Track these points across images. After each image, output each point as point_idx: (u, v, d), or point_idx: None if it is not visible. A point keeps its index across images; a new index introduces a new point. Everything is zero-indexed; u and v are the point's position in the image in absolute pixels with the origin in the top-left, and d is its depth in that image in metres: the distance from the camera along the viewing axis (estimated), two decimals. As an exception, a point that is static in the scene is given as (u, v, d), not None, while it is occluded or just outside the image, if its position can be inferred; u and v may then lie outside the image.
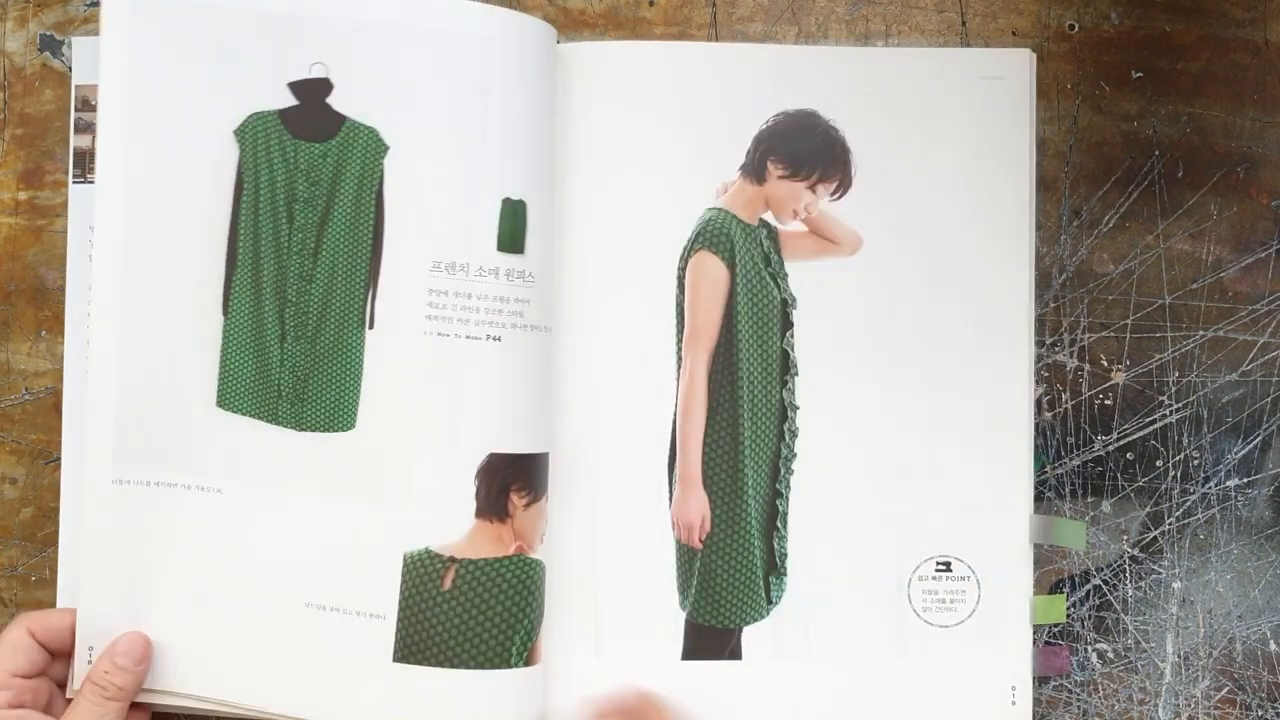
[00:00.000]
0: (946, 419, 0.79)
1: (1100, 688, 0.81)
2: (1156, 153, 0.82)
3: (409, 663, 0.75)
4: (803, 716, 0.78)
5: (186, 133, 0.78)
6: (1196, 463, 0.81)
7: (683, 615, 0.79)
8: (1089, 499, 0.82)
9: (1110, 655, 0.81)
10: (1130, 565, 0.81)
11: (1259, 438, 0.81)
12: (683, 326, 0.80)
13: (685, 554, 0.79)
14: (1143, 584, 0.81)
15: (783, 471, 0.79)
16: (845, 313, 0.80)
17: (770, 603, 0.79)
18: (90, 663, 0.76)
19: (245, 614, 0.77)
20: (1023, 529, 0.79)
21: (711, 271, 0.79)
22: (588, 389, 0.80)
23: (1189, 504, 0.81)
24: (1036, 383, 0.81)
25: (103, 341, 0.77)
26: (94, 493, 0.77)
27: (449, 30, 0.76)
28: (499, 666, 0.75)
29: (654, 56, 0.81)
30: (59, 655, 0.76)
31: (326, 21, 0.77)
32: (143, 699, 0.77)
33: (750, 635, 0.79)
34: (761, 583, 0.79)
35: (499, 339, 0.76)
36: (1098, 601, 0.81)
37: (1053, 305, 0.82)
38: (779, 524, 0.79)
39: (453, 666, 0.75)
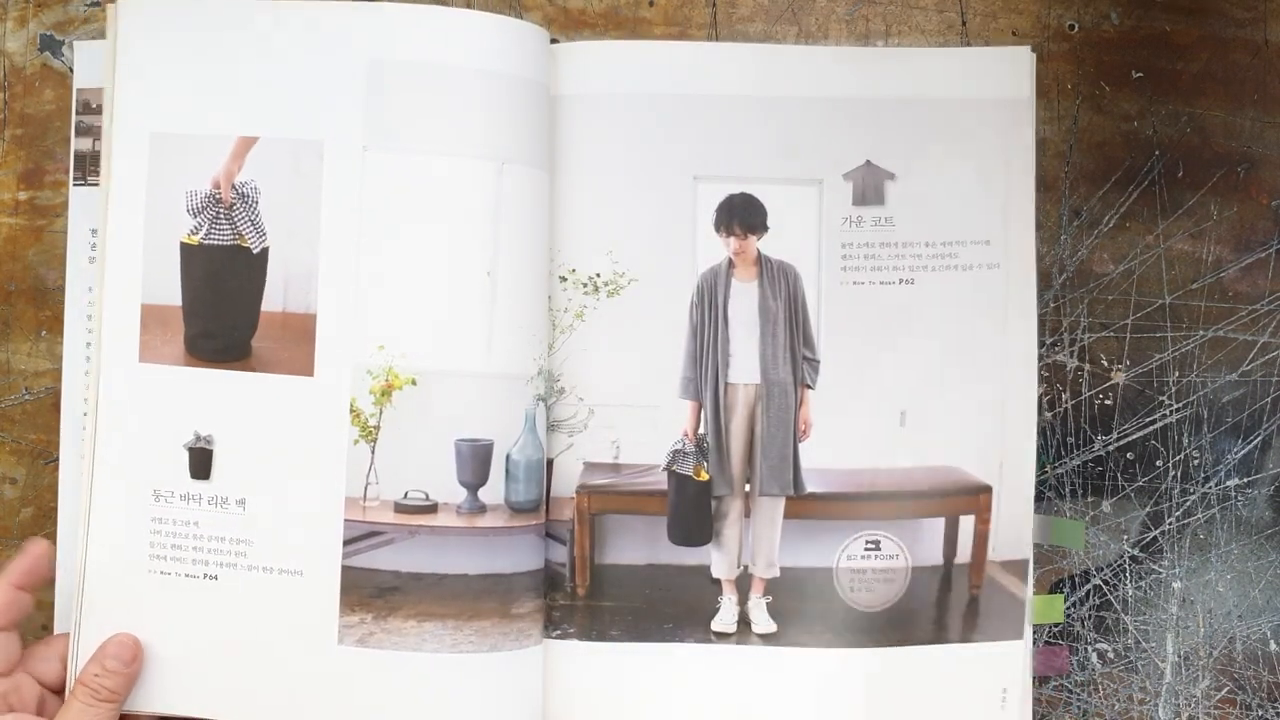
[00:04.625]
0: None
1: (1100, 688, 0.81)
2: (1156, 153, 0.82)
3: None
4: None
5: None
6: (1196, 463, 0.81)
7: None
8: (1089, 499, 0.82)
9: (1110, 655, 0.81)
10: (1130, 565, 0.81)
11: (1259, 438, 0.81)
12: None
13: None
14: (1143, 584, 0.81)
15: None
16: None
17: None
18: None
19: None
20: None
21: None
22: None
23: (1189, 504, 0.81)
24: (1036, 383, 0.81)
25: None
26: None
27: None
28: None
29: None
30: (20, 620, 0.76)
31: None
32: (142, 709, 0.77)
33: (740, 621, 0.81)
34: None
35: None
36: (1098, 601, 0.81)
37: (1053, 305, 0.82)
38: None
39: None
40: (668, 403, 0.81)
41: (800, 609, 0.81)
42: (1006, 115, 0.80)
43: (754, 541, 0.82)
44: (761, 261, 0.81)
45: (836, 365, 0.81)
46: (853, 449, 0.81)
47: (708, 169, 0.81)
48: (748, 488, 0.82)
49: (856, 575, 0.80)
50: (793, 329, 0.81)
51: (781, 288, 0.81)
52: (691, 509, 0.81)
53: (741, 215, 0.81)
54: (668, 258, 0.81)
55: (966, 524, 0.81)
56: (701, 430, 0.82)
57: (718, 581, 0.82)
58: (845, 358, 0.81)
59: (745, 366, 0.82)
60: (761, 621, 0.81)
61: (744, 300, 0.82)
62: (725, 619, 0.81)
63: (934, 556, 0.82)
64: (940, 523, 0.82)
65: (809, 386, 0.81)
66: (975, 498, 0.80)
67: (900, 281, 0.80)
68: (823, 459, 0.81)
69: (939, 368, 0.80)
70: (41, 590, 0.77)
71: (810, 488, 0.81)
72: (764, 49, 0.81)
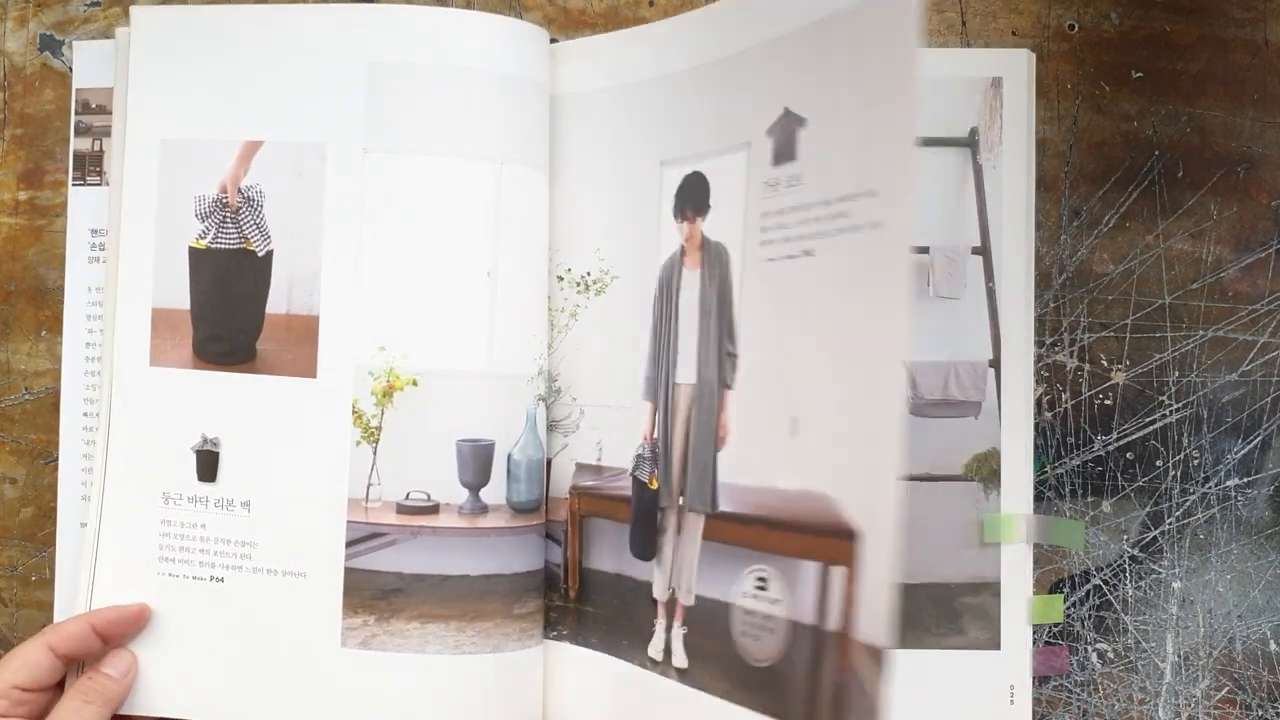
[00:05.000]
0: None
1: (1100, 688, 0.81)
2: (1156, 153, 0.82)
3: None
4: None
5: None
6: (1196, 463, 0.81)
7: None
8: (1089, 499, 0.82)
9: (1110, 655, 0.81)
10: (1130, 565, 0.81)
11: (1259, 438, 0.81)
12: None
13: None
14: (1143, 584, 0.81)
15: None
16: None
17: None
18: None
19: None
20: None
21: None
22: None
23: (1189, 504, 0.81)
24: (1036, 383, 0.81)
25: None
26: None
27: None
28: None
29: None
30: (83, 659, 0.76)
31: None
32: (145, 711, 0.77)
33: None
34: None
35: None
36: (1098, 601, 0.81)
37: (1053, 305, 0.82)
38: None
39: None
40: (637, 403, 0.79)
41: (705, 646, 0.73)
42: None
43: (680, 562, 0.75)
44: (704, 246, 0.75)
45: (752, 361, 0.72)
46: (755, 461, 0.72)
47: (672, 152, 0.78)
48: (681, 500, 0.76)
49: (746, 618, 0.71)
50: (720, 320, 0.74)
51: (716, 273, 0.74)
52: (645, 519, 0.78)
53: (691, 196, 0.75)
54: (639, 252, 0.79)
55: (839, 577, 0.65)
56: (656, 434, 0.78)
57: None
58: (758, 351, 0.72)
59: (688, 364, 0.75)
60: (678, 653, 0.75)
61: (691, 291, 0.75)
62: (656, 644, 0.76)
63: (809, 612, 0.68)
64: (813, 569, 0.68)
65: (727, 386, 0.73)
66: (841, 543, 0.63)
67: (803, 254, 0.68)
68: (731, 472, 0.73)
69: (833, 362, 0.66)
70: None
71: (722, 505, 0.74)
72: (712, 11, 0.76)
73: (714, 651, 0.73)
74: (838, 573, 0.65)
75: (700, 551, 0.74)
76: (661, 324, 0.77)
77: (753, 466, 0.71)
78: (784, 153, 0.69)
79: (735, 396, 0.72)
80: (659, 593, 0.76)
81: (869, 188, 0.63)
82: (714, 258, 0.74)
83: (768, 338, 0.71)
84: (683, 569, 0.75)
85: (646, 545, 0.77)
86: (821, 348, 0.66)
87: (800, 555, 0.68)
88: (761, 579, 0.70)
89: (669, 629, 0.75)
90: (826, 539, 0.65)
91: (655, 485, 0.77)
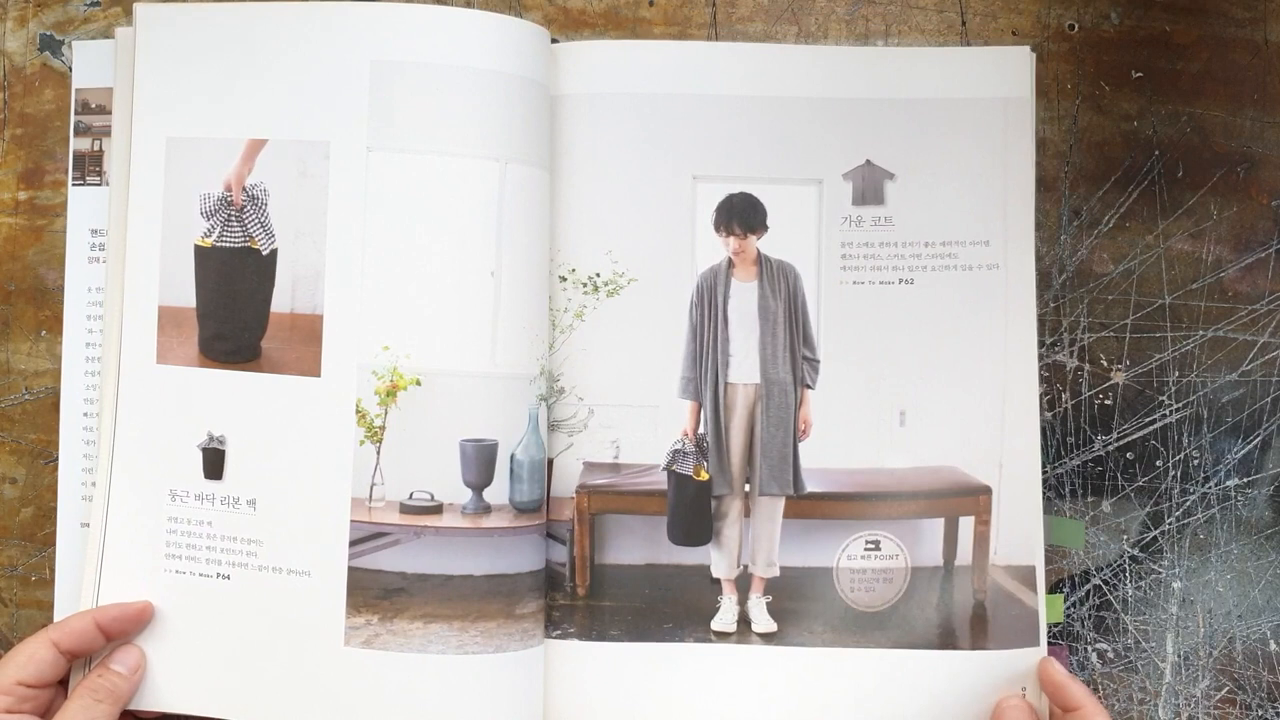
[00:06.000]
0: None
1: (1100, 688, 0.81)
2: (1156, 153, 0.82)
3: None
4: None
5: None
6: (1196, 463, 0.82)
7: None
8: (1089, 499, 0.82)
9: (1110, 655, 0.81)
10: (1130, 565, 0.81)
11: (1259, 438, 0.81)
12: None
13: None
14: (1143, 584, 0.81)
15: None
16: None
17: None
18: None
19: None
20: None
21: None
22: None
23: (1189, 504, 0.81)
24: (1037, 384, 0.81)
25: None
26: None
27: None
28: None
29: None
30: (86, 655, 0.76)
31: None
32: (150, 707, 0.77)
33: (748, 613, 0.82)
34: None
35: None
36: (1098, 601, 0.81)
37: (1053, 305, 0.82)
38: None
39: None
40: (667, 402, 0.81)
41: (800, 609, 0.81)
42: (1005, 115, 0.80)
43: (754, 541, 0.82)
44: (761, 261, 0.82)
45: (836, 365, 0.81)
46: (852, 449, 0.81)
47: (707, 169, 0.81)
48: (747, 487, 0.82)
49: (856, 575, 0.80)
50: (792, 329, 0.81)
51: (781, 287, 0.81)
52: (691, 509, 0.81)
53: (741, 215, 0.81)
54: (667, 258, 0.81)
55: (967, 525, 0.81)
56: (701, 430, 0.82)
57: (718, 581, 0.82)
58: (845, 357, 0.81)
59: (745, 366, 0.82)
60: (761, 621, 0.81)
61: (744, 300, 0.82)
62: (725, 618, 0.81)
63: (934, 557, 0.81)
64: (940, 524, 0.81)
65: (809, 386, 0.81)
66: (975, 499, 0.80)
67: (900, 281, 0.80)
68: (822, 459, 0.81)
69: (938, 368, 0.80)
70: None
71: (810, 487, 0.81)
72: (764, 49, 0.82)
73: (813, 610, 0.81)
74: (966, 521, 0.81)
75: (783, 529, 0.82)
76: (704, 328, 0.81)
77: (862, 452, 0.81)
78: (869, 197, 0.81)
79: (821, 395, 0.81)
80: (723, 572, 0.82)
81: (980, 238, 0.80)
82: (777, 273, 0.82)
83: (863, 346, 0.81)
84: (759, 546, 0.82)
85: (696, 532, 0.82)
86: (927, 354, 0.80)
87: (921, 515, 0.81)
88: (872, 542, 0.81)
89: (743, 602, 0.81)
90: (958, 498, 0.81)
91: (705, 476, 0.81)
